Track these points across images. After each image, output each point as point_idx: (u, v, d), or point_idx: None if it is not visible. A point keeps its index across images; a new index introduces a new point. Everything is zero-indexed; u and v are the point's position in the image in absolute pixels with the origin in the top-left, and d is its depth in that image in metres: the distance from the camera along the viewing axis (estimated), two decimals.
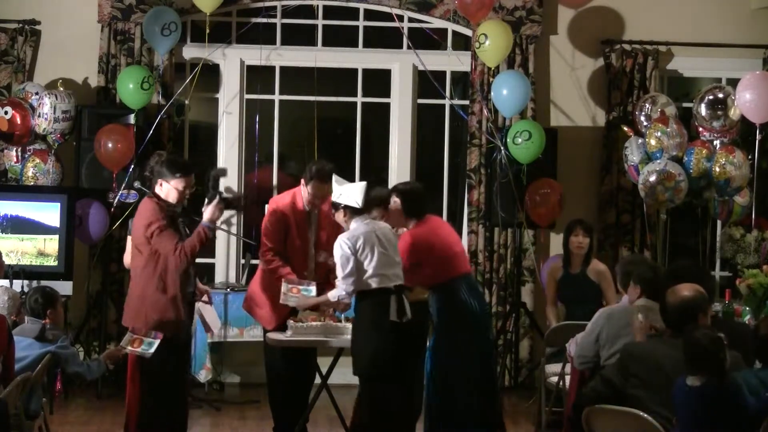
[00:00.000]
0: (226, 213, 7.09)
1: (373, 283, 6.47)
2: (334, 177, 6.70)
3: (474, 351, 6.52)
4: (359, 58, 9.86)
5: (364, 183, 6.60)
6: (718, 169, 8.96)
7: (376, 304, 6.49)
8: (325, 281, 7.13)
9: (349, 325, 6.83)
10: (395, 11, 9.69)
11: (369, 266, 6.45)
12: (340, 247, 6.48)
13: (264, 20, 9.63)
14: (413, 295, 6.85)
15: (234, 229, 9.61)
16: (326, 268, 7.21)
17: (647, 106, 9.34)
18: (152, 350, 6.46)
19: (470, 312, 6.52)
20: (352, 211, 6.52)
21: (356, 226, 6.53)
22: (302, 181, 7.13)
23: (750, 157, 9.09)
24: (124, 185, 8.83)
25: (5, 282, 7.61)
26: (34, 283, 7.90)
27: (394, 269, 6.53)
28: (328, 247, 6.93)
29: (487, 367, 6.60)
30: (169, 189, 6.59)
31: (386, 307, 6.46)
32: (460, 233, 9.80)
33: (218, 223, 6.71)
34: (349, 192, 6.54)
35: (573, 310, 8.30)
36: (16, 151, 9.05)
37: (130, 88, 8.93)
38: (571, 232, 8.49)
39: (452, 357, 6.51)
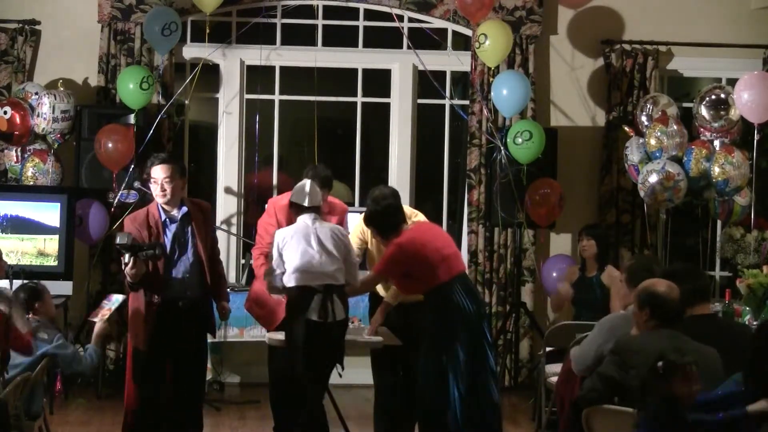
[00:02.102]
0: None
1: (292, 281, 6.40)
2: (305, 180, 6.72)
3: (467, 354, 6.49)
4: (359, 58, 9.85)
5: (309, 181, 6.63)
6: (717, 169, 8.96)
7: (294, 302, 6.42)
8: None
9: (351, 326, 6.81)
10: (395, 11, 9.68)
11: (288, 262, 6.40)
12: (273, 236, 6.53)
13: (264, 20, 9.63)
14: (411, 296, 6.85)
15: (234, 229, 9.61)
16: None
17: (649, 106, 9.33)
18: (119, 303, 6.62)
19: (464, 314, 6.49)
20: (297, 208, 6.54)
21: (298, 221, 6.53)
22: None
23: (750, 157, 9.09)
24: (124, 185, 8.82)
25: (5, 282, 7.60)
26: None
27: (325, 268, 6.38)
28: None
29: (481, 369, 6.56)
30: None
31: (304, 307, 6.36)
32: (460, 233, 9.81)
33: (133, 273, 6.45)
34: (298, 191, 6.58)
35: (580, 313, 8.25)
36: (16, 151, 9.05)
37: (130, 88, 8.92)
38: (579, 237, 8.57)
39: (445, 360, 6.48)
